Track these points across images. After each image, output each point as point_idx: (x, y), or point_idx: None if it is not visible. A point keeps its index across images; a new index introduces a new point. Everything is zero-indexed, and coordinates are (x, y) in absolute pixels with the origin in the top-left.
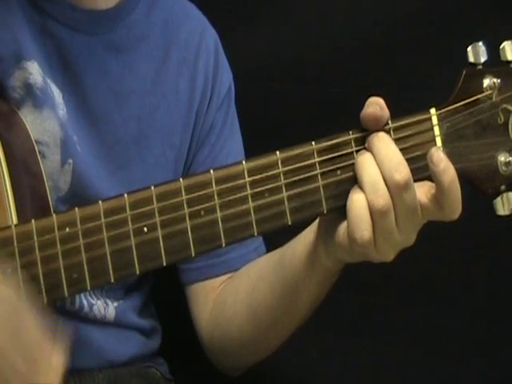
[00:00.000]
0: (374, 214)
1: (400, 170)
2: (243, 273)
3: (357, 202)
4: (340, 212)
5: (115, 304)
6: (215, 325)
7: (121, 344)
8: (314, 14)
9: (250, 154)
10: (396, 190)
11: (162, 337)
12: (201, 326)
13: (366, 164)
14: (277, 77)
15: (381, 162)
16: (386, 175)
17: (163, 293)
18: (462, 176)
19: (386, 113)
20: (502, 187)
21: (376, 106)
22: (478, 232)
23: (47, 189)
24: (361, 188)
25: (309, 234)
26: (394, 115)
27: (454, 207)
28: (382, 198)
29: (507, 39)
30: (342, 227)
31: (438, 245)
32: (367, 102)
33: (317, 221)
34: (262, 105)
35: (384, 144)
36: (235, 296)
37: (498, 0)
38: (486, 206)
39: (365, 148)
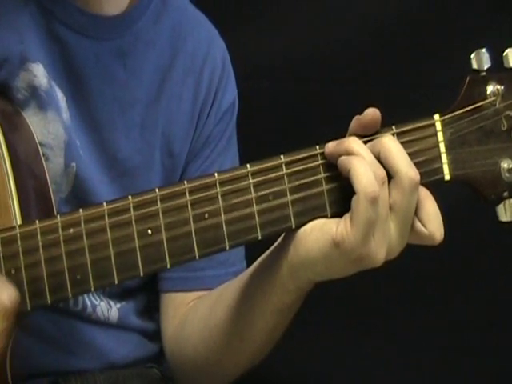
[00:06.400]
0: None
1: (414, 167)
2: (209, 292)
3: (360, 162)
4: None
5: (118, 305)
6: (176, 341)
7: (123, 345)
8: (316, 14)
9: (251, 153)
10: (409, 188)
11: None
12: (165, 339)
13: (356, 142)
14: (278, 76)
15: (393, 157)
16: (402, 171)
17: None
18: (465, 182)
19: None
20: (505, 194)
21: (369, 112)
22: (477, 232)
23: (51, 191)
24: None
25: (268, 258)
26: (396, 114)
27: None
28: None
29: (509, 40)
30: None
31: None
32: (357, 116)
33: (276, 244)
34: (263, 104)
35: (395, 143)
36: (194, 314)
37: (498, 1)
38: (485, 207)
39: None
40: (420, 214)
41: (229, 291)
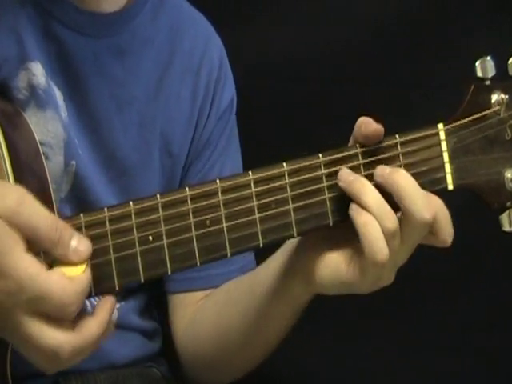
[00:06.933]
0: (386, 235)
1: (428, 207)
2: (214, 292)
3: (370, 225)
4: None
5: (118, 305)
6: (186, 340)
7: (122, 345)
8: (316, 14)
9: (251, 153)
10: (422, 228)
11: (163, 337)
12: (176, 338)
13: (368, 189)
14: (278, 76)
15: (408, 198)
16: (415, 214)
17: (165, 294)
18: (469, 190)
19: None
20: (508, 203)
21: (372, 123)
22: (480, 232)
23: (51, 191)
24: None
25: (280, 266)
26: (396, 114)
27: None
28: (391, 221)
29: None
30: (347, 264)
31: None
32: (361, 123)
33: (286, 252)
34: (263, 104)
35: (409, 181)
36: (202, 314)
37: (498, 1)
38: (485, 207)
39: (370, 163)
40: (432, 225)
41: (238, 294)
